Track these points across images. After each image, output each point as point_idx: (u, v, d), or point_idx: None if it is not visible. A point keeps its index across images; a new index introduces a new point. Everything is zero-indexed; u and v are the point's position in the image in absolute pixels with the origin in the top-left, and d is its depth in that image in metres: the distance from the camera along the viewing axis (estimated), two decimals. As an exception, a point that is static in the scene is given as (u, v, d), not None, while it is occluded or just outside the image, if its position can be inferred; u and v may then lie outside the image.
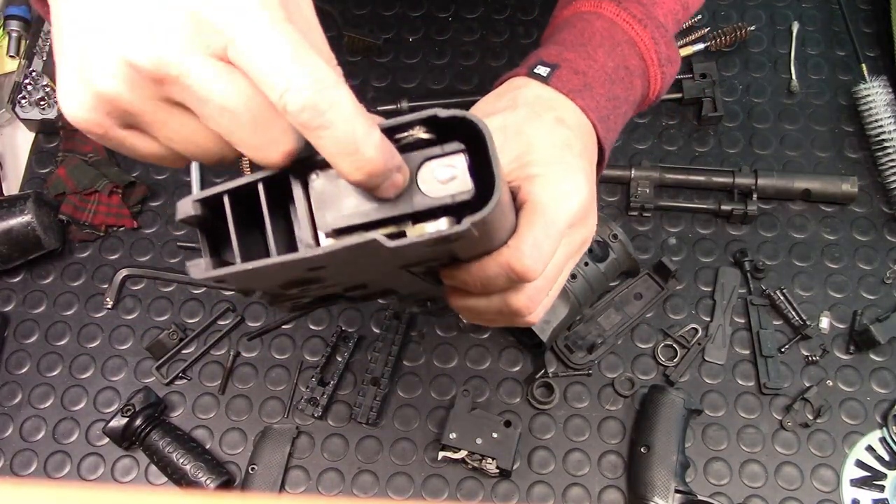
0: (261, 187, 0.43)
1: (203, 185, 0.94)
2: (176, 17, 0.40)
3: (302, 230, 0.44)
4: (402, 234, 0.44)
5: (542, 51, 0.64)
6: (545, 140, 0.57)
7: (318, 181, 0.43)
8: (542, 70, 0.61)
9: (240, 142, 0.42)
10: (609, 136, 0.63)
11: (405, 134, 0.43)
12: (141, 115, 0.43)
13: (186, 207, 0.44)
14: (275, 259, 0.42)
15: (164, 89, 0.41)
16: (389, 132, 0.42)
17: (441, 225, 0.44)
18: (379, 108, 1.04)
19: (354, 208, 0.43)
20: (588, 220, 0.57)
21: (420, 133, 0.43)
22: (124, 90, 0.41)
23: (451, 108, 0.44)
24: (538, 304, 0.55)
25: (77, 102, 0.43)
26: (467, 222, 0.41)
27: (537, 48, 0.67)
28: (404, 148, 0.43)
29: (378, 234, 0.41)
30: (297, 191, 0.44)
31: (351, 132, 0.39)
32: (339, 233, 0.44)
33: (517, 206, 0.54)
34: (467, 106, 0.80)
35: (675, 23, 0.71)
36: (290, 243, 0.45)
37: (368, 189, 0.42)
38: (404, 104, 1.04)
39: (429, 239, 0.42)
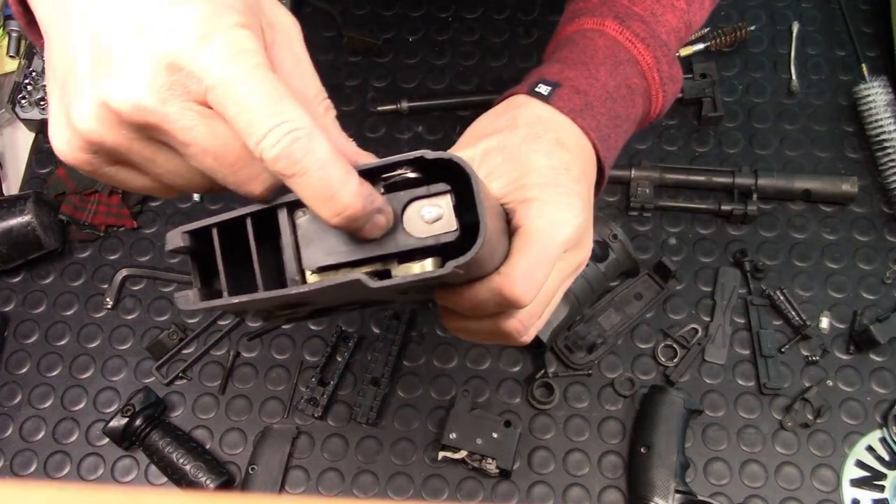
0: (249, 222, 0.44)
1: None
2: (155, 64, 0.40)
3: (289, 264, 0.45)
4: (387, 273, 0.44)
5: (544, 68, 0.64)
6: (543, 162, 0.56)
7: (303, 218, 0.44)
8: (544, 89, 0.61)
9: (223, 179, 0.43)
10: (609, 155, 0.63)
11: (393, 173, 0.43)
12: (127, 154, 0.44)
13: (175, 239, 0.45)
14: (261, 294, 0.44)
15: (147, 131, 0.42)
16: (377, 171, 0.43)
17: (426, 265, 0.44)
18: (379, 108, 1.04)
19: (339, 246, 0.44)
20: (583, 245, 0.58)
21: (408, 173, 0.43)
22: (107, 132, 0.42)
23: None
24: (530, 327, 0.55)
25: (64, 141, 0.44)
26: (450, 266, 0.42)
27: (539, 65, 0.66)
28: (392, 186, 0.43)
29: (361, 275, 0.42)
30: (284, 226, 0.45)
31: (326, 179, 0.40)
32: (323, 270, 0.44)
33: (511, 229, 0.54)
34: (468, 107, 0.80)
35: (678, 41, 0.71)
36: (278, 275, 0.46)
37: (349, 231, 0.42)
38: (404, 104, 1.04)
39: (412, 281, 0.43)
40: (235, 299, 0.44)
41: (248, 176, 0.43)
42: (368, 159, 0.47)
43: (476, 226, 0.43)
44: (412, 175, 0.43)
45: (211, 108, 0.41)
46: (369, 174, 0.43)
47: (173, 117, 0.41)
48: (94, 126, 0.42)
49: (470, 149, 0.57)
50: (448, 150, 0.56)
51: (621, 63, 0.64)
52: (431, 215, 0.43)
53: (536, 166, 0.56)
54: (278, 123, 0.39)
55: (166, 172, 0.45)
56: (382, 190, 0.44)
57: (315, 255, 0.44)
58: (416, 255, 0.44)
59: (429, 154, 0.42)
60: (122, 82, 0.41)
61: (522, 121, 0.59)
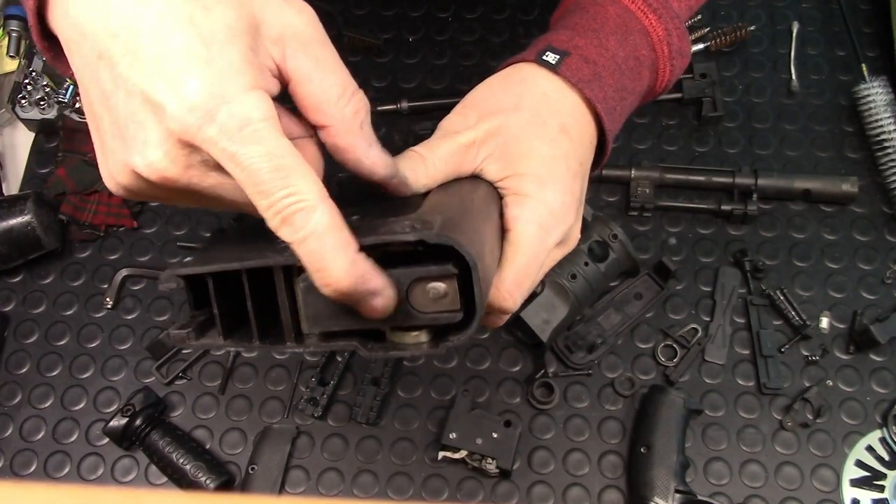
0: (245, 280, 0.44)
1: None
2: (168, 139, 0.42)
3: (285, 323, 0.45)
4: (382, 336, 0.45)
5: (552, 35, 0.62)
6: (545, 151, 0.56)
7: (307, 280, 0.44)
8: (552, 57, 0.59)
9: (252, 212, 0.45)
10: (613, 128, 0.62)
11: (394, 242, 0.43)
12: (170, 192, 0.46)
13: (169, 281, 0.45)
14: (256, 345, 0.45)
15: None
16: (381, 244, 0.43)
17: (421, 337, 0.45)
18: (379, 108, 1.04)
19: (339, 314, 0.44)
20: (571, 239, 0.59)
21: (409, 241, 0.43)
22: (143, 186, 0.46)
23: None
24: (509, 315, 0.56)
25: (112, 185, 0.47)
26: (444, 346, 0.44)
27: (546, 31, 0.64)
28: (394, 258, 0.43)
29: (356, 344, 0.44)
30: (281, 289, 0.45)
31: (320, 251, 0.41)
32: (322, 336, 0.45)
33: (503, 225, 0.55)
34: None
35: (688, 9, 0.69)
36: (275, 325, 0.46)
37: (346, 304, 0.43)
38: (404, 104, 1.04)
39: (406, 351, 0.44)
40: (231, 347, 0.45)
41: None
42: (391, 172, 0.48)
43: (471, 303, 0.44)
44: (413, 243, 0.43)
45: None
46: (372, 246, 0.43)
47: (196, 180, 0.44)
48: (128, 181, 0.45)
49: (472, 131, 0.56)
50: (447, 123, 0.57)
51: (631, 33, 0.62)
52: (437, 293, 0.43)
53: (537, 155, 0.56)
54: (282, 197, 0.41)
55: (218, 197, 0.46)
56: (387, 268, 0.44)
57: (313, 317, 0.44)
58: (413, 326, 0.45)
59: (431, 239, 0.42)
60: (142, 154, 0.43)
61: (528, 101, 0.58)
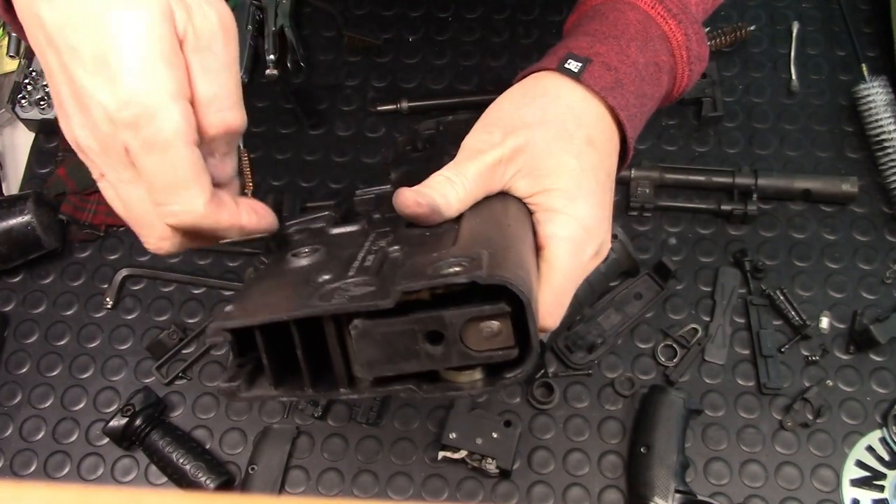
0: (295, 332, 0.44)
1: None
2: (95, 127, 0.48)
3: (338, 369, 0.45)
4: (436, 375, 0.45)
5: (572, 41, 0.61)
6: (573, 165, 0.55)
7: (360, 327, 0.43)
8: (574, 65, 0.58)
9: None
10: (634, 135, 0.61)
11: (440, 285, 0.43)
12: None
13: (216, 335, 0.45)
14: (308, 393, 0.45)
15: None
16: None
17: (475, 375, 0.45)
18: (379, 108, 1.04)
19: (393, 358, 0.44)
20: (602, 252, 0.58)
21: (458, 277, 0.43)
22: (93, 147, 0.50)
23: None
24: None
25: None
26: (500, 385, 0.44)
27: (565, 38, 0.64)
28: (449, 298, 0.43)
29: (413, 387, 0.44)
30: (331, 338, 0.44)
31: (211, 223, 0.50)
32: (379, 381, 0.45)
33: (537, 242, 0.54)
34: (468, 106, 0.78)
35: (705, 12, 0.68)
36: (323, 368, 0.46)
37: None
38: (404, 104, 1.04)
39: (462, 391, 0.44)
40: (284, 397, 0.45)
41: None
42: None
43: (524, 337, 0.43)
44: (462, 282, 0.42)
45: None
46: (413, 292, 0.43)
47: (114, 174, 0.50)
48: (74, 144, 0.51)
49: (498, 148, 0.55)
50: (472, 141, 0.56)
51: (651, 39, 0.62)
52: (490, 331, 0.43)
53: (566, 169, 0.55)
54: (174, 203, 0.48)
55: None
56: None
57: (369, 362, 0.44)
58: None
59: (483, 280, 0.41)
60: (73, 131, 0.49)
61: (553, 114, 0.57)
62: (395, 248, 0.50)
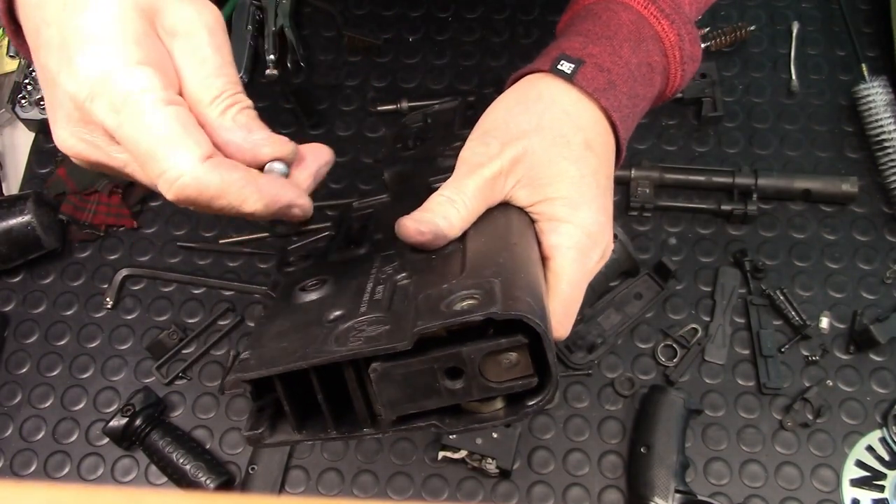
0: (315, 380, 0.44)
1: None
2: (69, 117, 0.47)
3: (359, 411, 0.45)
4: (459, 407, 0.45)
5: (565, 42, 0.61)
6: (573, 172, 0.55)
7: (379, 370, 0.43)
8: (567, 66, 0.58)
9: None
10: (627, 136, 0.61)
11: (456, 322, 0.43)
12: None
13: (236, 388, 0.45)
14: (332, 437, 0.45)
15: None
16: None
17: (496, 404, 0.45)
18: (379, 108, 1.04)
19: (414, 396, 0.44)
20: (606, 254, 0.58)
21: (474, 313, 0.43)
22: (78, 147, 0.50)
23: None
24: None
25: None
26: (522, 415, 0.44)
27: (545, 32, 0.64)
28: (465, 332, 0.43)
29: (436, 423, 0.44)
30: (352, 381, 0.45)
31: (230, 195, 0.46)
32: (401, 419, 0.45)
33: (542, 252, 0.54)
34: (473, 103, 0.76)
35: (698, 12, 0.68)
36: (343, 409, 0.46)
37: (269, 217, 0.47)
38: (404, 104, 1.04)
39: (486, 423, 0.44)
40: (308, 440, 0.46)
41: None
42: (281, 146, 0.49)
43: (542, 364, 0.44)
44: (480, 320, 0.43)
45: None
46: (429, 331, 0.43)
47: (104, 159, 0.48)
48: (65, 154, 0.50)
49: (496, 160, 0.54)
50: (469, 154, 0.55)
51: (644, 40, 0.61)
52: (509, 363, 0.43)
53: (566, 176, 0.55)
54: (163, 171, 0.44)
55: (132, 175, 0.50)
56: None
57: (391, 402, 0.44)
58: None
59: (500, 316, 0.42)
60: (56, 134, 0.48)
61: (549, 120, 0.56)
62: (403, 275, 0.50)
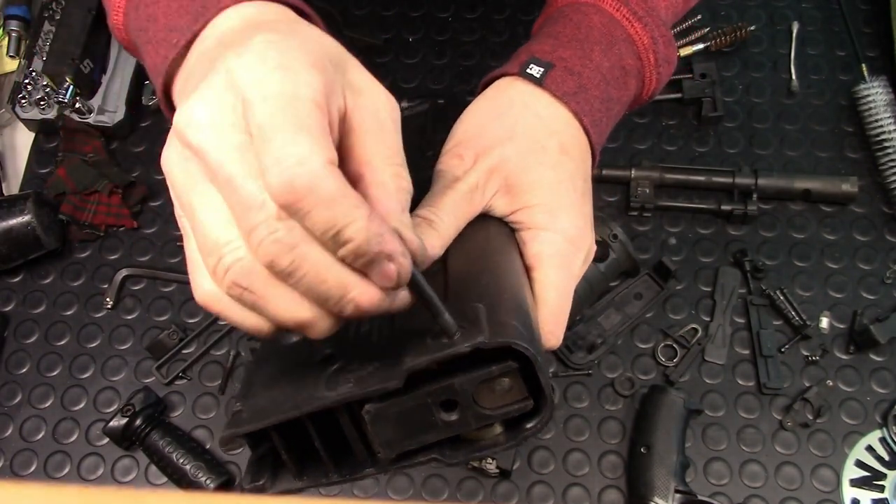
0: (311, 427, 0.44)
1: None
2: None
3: (359, 453, 0.45)
4: (458, 437, 0.45)
5: (535, 45, 0.60)
6: (550, 177, 0.55)
7: (372, 411, 0.43)
8: (536, 70, 0.57)
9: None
10: (600, 140, 0.61)
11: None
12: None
13: (232, 445, 0.45)
14: (334, 480, 0.45)
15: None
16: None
17: (496, 430, 0.45)
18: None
19: (412, 432, 0.44)
20: (588, 259, 0.57)
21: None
22: None
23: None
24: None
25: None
26: (521, 438, 0.44)
27: (529, 41, 0.63)
28: (456, 364, 0.43)
29: (436, 455, 0.44)
30: (348, 426, 0.44)
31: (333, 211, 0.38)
32: (401, 456, 0.45)
33: (525, 262, 0.54)
34: (444, 106, 0.74)
35: (674, 16, 0.67)
36: (341, 451, 0.46)
37: (359, 267, 0.40)
38: (404, 104, 1.04)
39: (486, 451, 0.45)
40: (311, 486, 0.45)
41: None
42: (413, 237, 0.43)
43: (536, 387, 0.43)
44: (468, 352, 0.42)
45: None
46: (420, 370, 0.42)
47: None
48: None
49: (472, 173, 0.54)
50: (444, 167, 0.54)
51: (616, 42, 0.60)
52: (503, 388, 0.43)
53: (544, 182, 0.54)
54: (283, 157, 0.37)
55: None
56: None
57: (388, 441, 0.44)
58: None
59: (488, 344, 0.41)
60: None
61: (522, 126, 0.56)
62: None
